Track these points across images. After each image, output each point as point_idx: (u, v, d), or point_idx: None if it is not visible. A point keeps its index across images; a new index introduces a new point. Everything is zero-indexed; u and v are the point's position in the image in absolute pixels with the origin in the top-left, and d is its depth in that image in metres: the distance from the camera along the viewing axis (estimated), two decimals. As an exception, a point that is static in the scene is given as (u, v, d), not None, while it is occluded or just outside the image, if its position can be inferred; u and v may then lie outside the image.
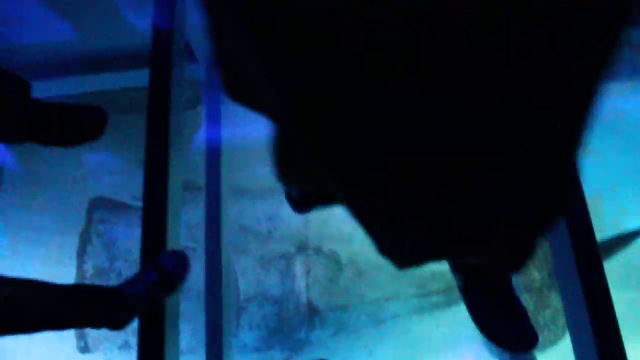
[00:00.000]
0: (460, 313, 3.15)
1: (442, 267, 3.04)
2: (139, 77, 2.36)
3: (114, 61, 2.31)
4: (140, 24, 2.18)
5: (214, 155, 1.99)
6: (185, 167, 1.87)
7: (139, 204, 3.31)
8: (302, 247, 3.09)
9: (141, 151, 3.29)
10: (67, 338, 3.19)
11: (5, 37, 2.26)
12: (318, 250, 3.08)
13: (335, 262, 3.07)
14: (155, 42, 1.64)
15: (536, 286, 2.95)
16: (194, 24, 1.83)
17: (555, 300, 2.93)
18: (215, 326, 1.91)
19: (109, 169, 3.32)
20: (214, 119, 2.00)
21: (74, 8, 2.17)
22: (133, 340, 3.20)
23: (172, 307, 1.53)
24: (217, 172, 1.99)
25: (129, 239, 3.19)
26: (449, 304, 3.05)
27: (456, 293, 3.05)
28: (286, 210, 3.19)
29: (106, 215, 3.24)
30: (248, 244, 3.02)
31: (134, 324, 2.93)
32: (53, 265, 3.28)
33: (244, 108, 0.80)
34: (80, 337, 3.15)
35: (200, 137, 2.47)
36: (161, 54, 1.62)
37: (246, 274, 3.04)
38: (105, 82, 2.45)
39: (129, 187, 3.29)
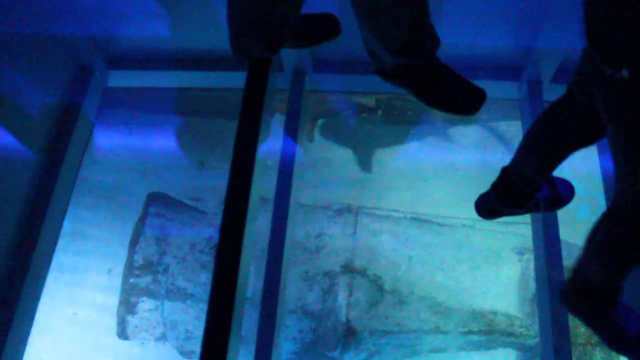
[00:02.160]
0: (497, 357, 3.11)
1: (485, 308, 3.02)
2: (214, 79, 2.45)
3: (197, 61, 2.40)
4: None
5: (287, 168, 2.04)
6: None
7: (194, 204, 3.42)
8: (347, 268, 3.11)
9: (202, 153, 3.40)
10: (108, 324, 3.28)
11: (103, 27, 2.39)
12: (363, 273, 3.10)
13: (378, 287, 3.09)
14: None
15: (580, 341, 2.89)
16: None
17: (599, 357, 2.87)
18: (268, 333, 1.95)
19: (171, 167, 3.44)
20: (293, 132, 2.06)
21: (172, 5, 2.28)
22: (170, 334, 3.28)
23: (237, 309, 1.56)
24: (288, 185, 2.04)
25: (181, 236, 3.28)
26: (487, 346, 3.01)
27: (497, 337, 3.03)
28: (336, 229, 3.24)
29: (162, 210, 3.34)
30: (295, 258, 3.06)
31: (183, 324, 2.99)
32: (105, 249, 3.39)
33: None
34: (121, 324, 3.24)
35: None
36: (261, 62, 1.69)
37: (289, 287, 3.08)
38: (185, 80, 2.52)
39: (187, 187, 3.40)
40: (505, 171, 1.57)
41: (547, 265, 1.87)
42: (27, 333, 2.20)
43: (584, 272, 1.30)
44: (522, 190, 1.44)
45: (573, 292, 1.37)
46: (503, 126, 2.65)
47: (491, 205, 1.57)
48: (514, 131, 2.53)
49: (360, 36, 1.51)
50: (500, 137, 2.66)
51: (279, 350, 2.20)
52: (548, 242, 1.93)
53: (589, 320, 1.40)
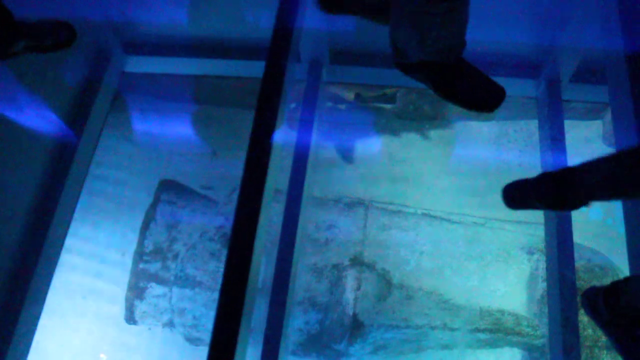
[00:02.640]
0: (503, 356, 3.11)
1: (493, 306, 3.02)
2: (231, 67, 2.44)
3: (215, 49, 2.39)
4: (249, 18, 2.27)
5: (301, 159, 2.04)
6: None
7: (206, 192, 3.44)
8: (356, 261, 3.11)
9: (215, 142, 3.41)
10: (117, 307, 3.32)
11: (123, 12, 2.39)
12: (372, 267, 3.10)
13: (386, 281, 3.09)
14: (275, 39, 1.71)
15: (588, 344, 2.88)
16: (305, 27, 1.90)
17: (606, 360, 2.86)
18: (277, 322, 1.96)
19: (184, 155, 3.45)
20: (308, 123, 2.05)
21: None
22: (178, 321, 3.30)
23: (249, 299, 1.57)
24: (302, 176, 2.04)
25: (191, 223, 3.29)
26: (494, 345, 3.01)
27: (503, 336, 3.02)
28: (346, 222, 3.24)
29: (173, 198, 3.35)
30: (304, 249, 3.07)
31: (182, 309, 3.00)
32: (116, 235, 3.42)
33: None
34: (129, 309, 3.27)
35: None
36: (279, 52, 1.68)
37: (297, 278, 3.09)
38: (202, 67, 2.52)
39: (199, 175, 3.41)
40: (565, 175, 1.43)
41: (559, 265, 1.85)
42: (39, 313, 2.22)
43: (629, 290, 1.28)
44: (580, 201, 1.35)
45: (605, 303, 1.35)
46: (520, 124, 2.63)
47: (526, 197, 1.51)
48: (532, 129, 2.51)
49: (377, 30, 1.49)
50: (517, 135, 2.64)
51: (287, 342, 2.20)
52: (561, 242, 1.92)
53: (609, 330, 1.38)
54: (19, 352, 2.08)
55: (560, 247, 1.91)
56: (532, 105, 2.30)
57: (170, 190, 3.38)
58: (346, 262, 3.11)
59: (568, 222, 1.97)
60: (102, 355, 3.25)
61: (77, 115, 2.34)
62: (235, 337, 1.48)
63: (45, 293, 2.23)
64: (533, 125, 2.49)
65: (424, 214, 3.16)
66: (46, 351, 3.36)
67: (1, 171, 2.07)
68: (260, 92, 1.68)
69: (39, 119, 2.17)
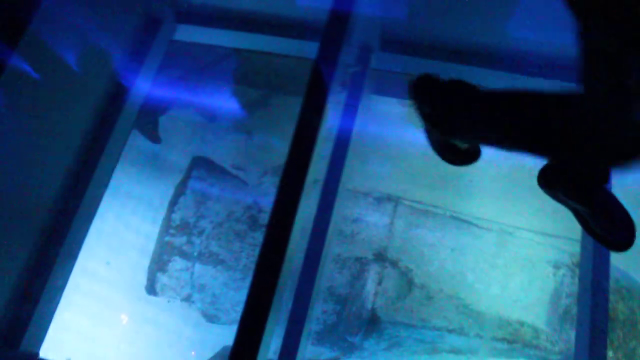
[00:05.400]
0: (517, 367, 3.07)
1: (513, 317, 2.98)
2: (281, 45, 2.42)
3: (266, 24, 2.37)
4: (303, 1, 2.25)
5: (342, 147, 2.03)
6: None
7: (237, 172, 3.45)
8: (379, 256, 3.11)
9: (251, 124, 3.41)
10: (138, 278, 3.37)
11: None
12: (394, 264, 3.09)
13: (408, 279, 3.07)
14: (332, 21, 1.70)
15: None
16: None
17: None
18: (301, 313, 1.96)
19: (218, 132, 3.47)
20: (352, 110, 2.03)
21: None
22: (197, 296, 3.34)
23: (281, 285, 1.57)
24: (340, 166, 2.02)
25: (219, 202, 3.32)
26: (509, 355, 2.98)
27: (520, 347, 2.98)
28: (374, 216, 3.23)
29: (204, 174, 3.38)
30: (333, 242, 3.07)
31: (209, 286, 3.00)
32: (145, 205, 3.47)
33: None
34: (151, 280, 3.32)
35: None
36: (334, 35, 1.67)
37: (324, 271, 3.09)
38: (252, 42, 2.49)
39: (231, 154, 3.43)
40: None
41: (592, 283, 1.82)
42: (69, 273, 2.27)
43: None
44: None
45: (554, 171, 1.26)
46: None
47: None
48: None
49: (430, 21, 1.42)
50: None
51: (309, 332, 2.21)
52: (597, 259, 1.88)
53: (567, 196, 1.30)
54: (51, 305, 2.13)
55: (596, 263, 1.87)
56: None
57: (202, 167, 3.40)
58: (370, 257, 3.10)
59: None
60: (192, 353, 3.34)
61: (122, 80, 2.37)
62: (263, 322, 1.49)
63: (79, 248, 2.27)
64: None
65: (452, 216, 3.13)
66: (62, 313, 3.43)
67: (53, 116, 2.11)
68: (311, 74, 1.67)
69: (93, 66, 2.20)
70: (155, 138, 3.26)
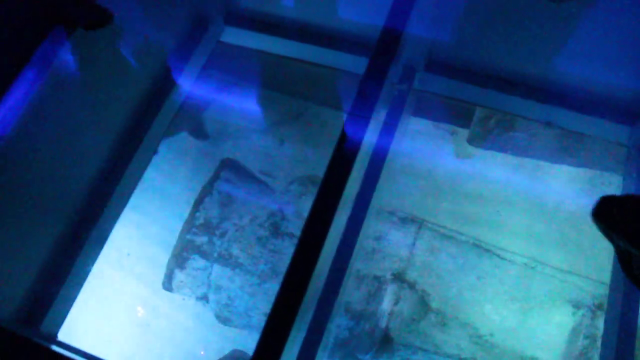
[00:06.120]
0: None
1: (527, 353, 2.94)
2: (328, 57, 2.43)
3: (315, 35, 2.39)
4: (356, 11, 2.26)
5: (377, 166, 2.03)
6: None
7: (264, 178, 3.48)
8: (398, 277, 3.09)
9: (285, 132, 3.44)
10: (156, 274, 3.40)
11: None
12: (412, 286, 3.08)
13: (424, 303, 3.05)
14: (383, 38, 1.72)
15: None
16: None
17: None
18: (320, 326, 1.96)
19: (250, 137, 3.51)
20: (391, 129, 2.05)
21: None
22: (212, 297, 3.35)
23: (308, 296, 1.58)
24: (373, 185, 2.03)
25: (244, 206, 3.34)
26: (519, 390, 2.93)
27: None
28: (396, 236, 3.22)
29: (232, 177, 3.41)
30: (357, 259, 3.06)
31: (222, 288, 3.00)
32: (171, 202, 3.51)
33: None
34: (168, 275, 3.34)
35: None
36: (386, 52, 1.70)
37: (346, 289, 3.08)
38: (299, 51, 2.51)
39: (261, 161, 3.46)
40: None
41: (620, 325, 1.79)
42: (95, 259, 2.31)
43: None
44: None
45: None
46: (604, 176, 2.55)
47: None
48: (615, 181, 2.43)
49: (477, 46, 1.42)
50: (597, 185, 2.56)
51: (325, 347, 2.21)
52: (625, 301, 1.85)
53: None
54: (75, 287, 2.17)
55: (624, 305, 1.84)
56: (621, 154, 2.21)
57: (230, 169, 3.44)
58: (388, 276, 3.09)
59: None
60: (202, 352, 3.37)
61: (167, 77, 2.42)
62: (287, 332, 1.50)
63: (107, 236, 2.32)
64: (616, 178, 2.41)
65: (475, 244, 3.11)
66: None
67: (97, 108, 2.16)
68: (359, 89, 1.69)
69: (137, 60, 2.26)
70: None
